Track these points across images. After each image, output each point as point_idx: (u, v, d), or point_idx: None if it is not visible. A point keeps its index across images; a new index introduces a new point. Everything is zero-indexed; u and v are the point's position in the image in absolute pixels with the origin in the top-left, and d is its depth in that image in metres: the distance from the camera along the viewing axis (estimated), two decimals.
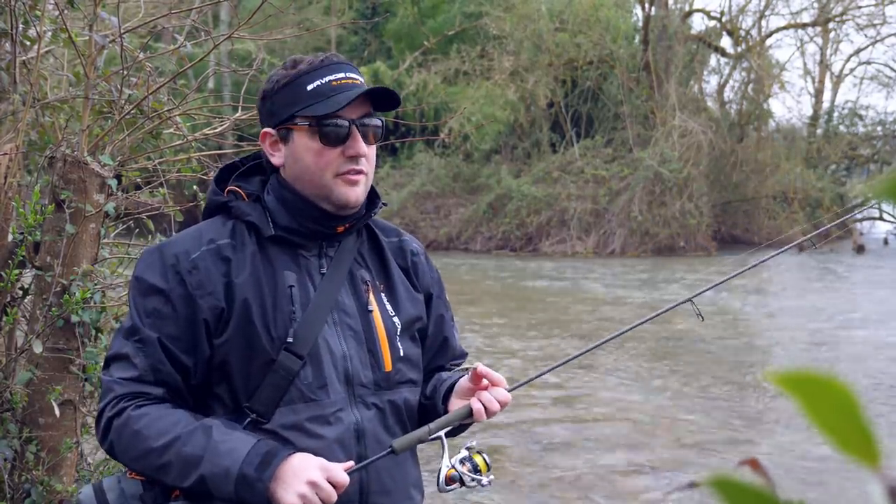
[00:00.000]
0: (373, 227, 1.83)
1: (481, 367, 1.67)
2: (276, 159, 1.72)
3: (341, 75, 1.67)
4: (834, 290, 15.34)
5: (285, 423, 1.59)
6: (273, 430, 1.59)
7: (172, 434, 1.53)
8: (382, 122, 1.72)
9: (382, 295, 1.76)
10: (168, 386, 1.60)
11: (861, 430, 0.34)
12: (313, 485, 1.48)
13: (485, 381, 1.69)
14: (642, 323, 2.10)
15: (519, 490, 5.12)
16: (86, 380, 2.73)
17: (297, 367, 1.60)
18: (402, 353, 1.73)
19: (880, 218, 24.17)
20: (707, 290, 2.20)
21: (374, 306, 1.72)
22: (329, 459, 1.58)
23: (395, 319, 1.74)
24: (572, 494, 5.07)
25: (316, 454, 1.57)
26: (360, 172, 1.67)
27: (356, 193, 1.68)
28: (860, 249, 22.08)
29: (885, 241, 23.91)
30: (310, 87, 1.66)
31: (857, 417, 0.34)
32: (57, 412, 2.64)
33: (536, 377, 1.92)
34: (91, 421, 3.04)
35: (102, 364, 1.70)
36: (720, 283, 2.28)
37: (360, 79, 1.69)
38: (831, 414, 0.34)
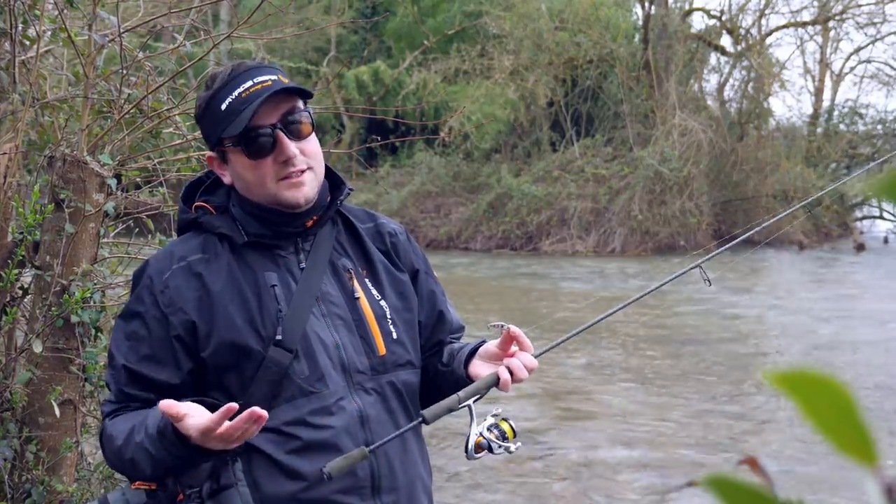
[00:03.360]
0: (347, 215, 1.83)
1: (514, 329, 1.67)
2: (226, 179, 1.74)
3: (248, 84, 1.64)
4: (834, 288, 15.33)
5: (288, 419, 1.61)
6: (276, 427, 1.59)
7: (130, 429, 1.59)
8: (309, 112, 1.69)
9: (366, 280, 1.76)
10: (140, 401, 1.65)
11: (858, 430, 0.34)
12: (218, 441, 1.47)
13: (513, 347, 1.69)
14: (648, 293, 2.12)
15: (518, 490, 5.12)
16: (86, 380, 2.74)
17: (287, 361, 1.61)
18: (394, 336, 1.73)
19: (880, 216, 24.18)
20: (713, 255, 2.21)
21: (359, 293, 1.73)
22: (338, 448, 1.60)
23: (383, 303, 1.75)
24: (571, 494, 5.07)
25: (323, 444, 1.59)
26: (300, 172, 1.66)
27: (303, 193, 1.67)
28: (860, 248, 22.07)
29: (885, 240, 23.90)
30: (223, 107, 1.65)
31: (855, 417, 0.34)
32: (57, 412, 2.65)
33: (560, 342, 1.91)
34: (91, 421, 3.04)
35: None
36: (723, 249, 2.30)
37: (270, 78, 1.65)
38: (829, 413, 0.34)
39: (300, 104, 1.68)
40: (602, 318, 2.01)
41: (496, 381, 1.66)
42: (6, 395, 2.69)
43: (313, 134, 1.71)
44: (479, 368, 1.71)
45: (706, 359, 8.96)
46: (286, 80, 1.68)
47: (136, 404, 1.65)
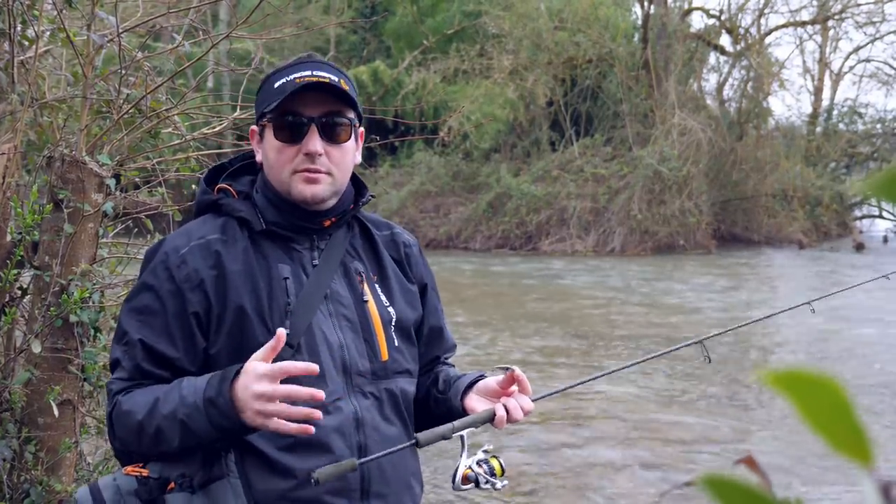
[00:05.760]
0: (364, 221, 1.84)
1: (518, 372, 1.70)
2: (258, 156, 1.76)
3: (307, 73, 1.66)
4: (833, 287, 15.32)
5: None
6: None
7: (153, 400, 1.56)
8: (351, 120, 1.70)
9: (377, 286, 1.77)
10: (155, 378, 1.63)
11: (854, 429, 0.34)
12: (261, 396, 1.47)
13: (513, 388, 1.71)
14: (653, 357, 2.13)
15: (517, 489, 5.12)
16: (84, 380, 2.73)
17: (286, 356, 1.61)
18: (396, 343, 1.74)
19: (880, 216, 24.18)
20: (717, 334, 2.22)
21: (368, 296, 1.74)
22: (329, 447, 1.60)
23: (390, 309, 1.76)
24: (571, 493, 5.07)
25: (316, 443, 1.59)
26: (318, 172, 1.66)
27: (312, 191, 1.67)
28: (859, 247, 22.07)
29: (885, 240, 23.90)
30: (276, 85, 1.68)
31: (850, 416, 0.34)
32: (56, 412, 2.64)
33: (565, 389, 1.95)
34: (90, 421, 3.04)
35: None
36: (736, 328, 2.29)
37: (329, 77, 1.67)
38: (824, 413, 0.34)
39: (349, 114, 1.70)
40: (591, 379, 2.04)
41: (492, 417, 1.69)
42: (5, 396, 2.69)
43: (348, 145, 1.71)
44: (475, 403, 1.73)
45: (705, 357, 8.94)
46: (346, 87, 1.68)
47: (149, 381, 1.62)
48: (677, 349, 2.12)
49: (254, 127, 1.76)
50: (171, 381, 1.61)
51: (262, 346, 1.60)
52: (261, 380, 1.45)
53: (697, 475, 0.37)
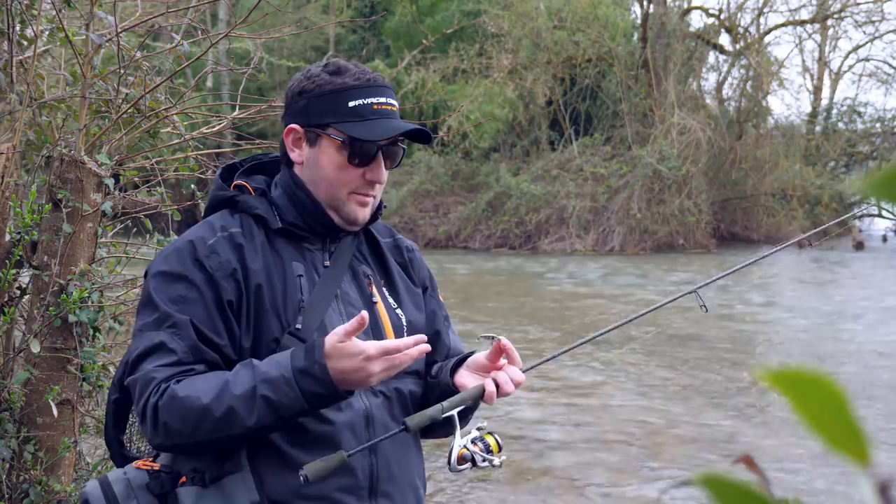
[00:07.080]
0: (369, 228, 1.86)
1: (505, 342, 1.67)
2: (295, 156, 1.74)
3: (382, 100, 1.69)
4: (833, 287, 15.34)
5: None
6: None
7: (219, 384, 1.52)
8: (404, 150, 1.76)
9: (384, 289, 1.80)
10: (208, 364, 1.59)
11: (851, 428, 0.34)
12: (370, 359, 1.51)
13: (502, 360, 1.70)
14: (648, 312, 2.11)
15: (516, 488, 5.13)
16: (83, 379, 2.73)
17: None
18: None
19: (879, 215, 24.18)
20: (711, 282, 2.20)
21: (377, 298, 1.77)
22: (339, 443, 1.61)
23: (399, 312, 1.78)
24: (570, 493, 5.07)
25: (328, 438, 1.60)
26: (372, 196, 1.72)
27: (364, 213, 1.73)
28: (859, 246, 22.07)
29: (884, 238, 23.89)
30: (351, 104, 1.68)
31: (847, 415, 0.34)
32: (55, 412, 2.64)
33: (550, 359, 1.94)
34: (89, 420, 3.04)
35: (128, 367, 1.61)
36: (724, 275, 2.29)
37: (396, 105, 1.73)
38: (821, 411, 0.34)
39: (404, 141, 1.75)
40: (587, 340, 2.03)
41: (482, 394, 1.66)
42: (4, 395, 2.69)
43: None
44: (466, 379, 1.71)
45: (705, 357, 8.96)
46: (396, 106, 1.73)
47: (200, 366, 1.57)
48: (673, 301, 2.12)
49: (296, 126, 1.72)
50: (220, 366, 1.59)
51: (276, 340, 1.62)
52: (372, 362, 1.50)
53: (696, 474, 0.37)
